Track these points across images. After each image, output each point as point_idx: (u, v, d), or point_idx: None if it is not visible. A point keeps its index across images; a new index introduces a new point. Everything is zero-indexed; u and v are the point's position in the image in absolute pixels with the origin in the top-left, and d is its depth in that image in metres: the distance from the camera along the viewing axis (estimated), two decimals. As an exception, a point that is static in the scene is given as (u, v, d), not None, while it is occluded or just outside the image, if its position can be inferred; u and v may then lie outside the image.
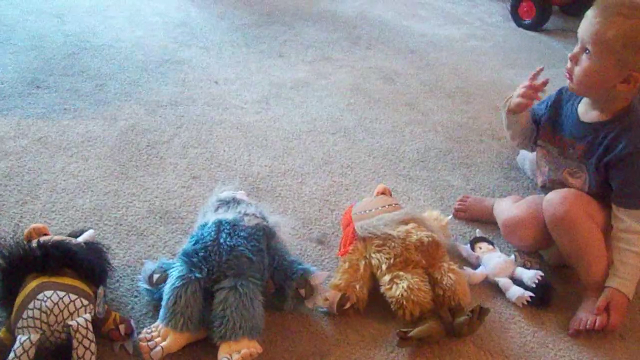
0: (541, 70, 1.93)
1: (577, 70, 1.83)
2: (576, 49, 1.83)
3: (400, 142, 2.58)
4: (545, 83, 1.92)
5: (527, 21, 4.12)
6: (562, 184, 1.98)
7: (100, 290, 1.52)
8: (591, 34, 1.77)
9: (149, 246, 1.86)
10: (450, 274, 1.74)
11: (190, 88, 2.74)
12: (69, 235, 1.68)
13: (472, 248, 2.00)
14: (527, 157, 2.39)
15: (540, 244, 1.99)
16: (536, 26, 4.10)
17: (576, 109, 1.95)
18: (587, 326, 1.78)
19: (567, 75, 1.88)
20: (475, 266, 1.96)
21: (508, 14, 4.24)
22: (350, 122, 2.67)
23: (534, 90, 1.93)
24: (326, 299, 1.69)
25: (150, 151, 2.27)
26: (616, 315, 1.80)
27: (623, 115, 1.85)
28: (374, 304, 1.74)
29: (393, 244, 1.75)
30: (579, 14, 4.32)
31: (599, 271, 1.84)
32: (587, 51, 1.79)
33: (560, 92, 2.03)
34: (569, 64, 1.86)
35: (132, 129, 2.38)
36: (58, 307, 1.41)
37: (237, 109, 2.63)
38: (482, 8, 4.45)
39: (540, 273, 1.89)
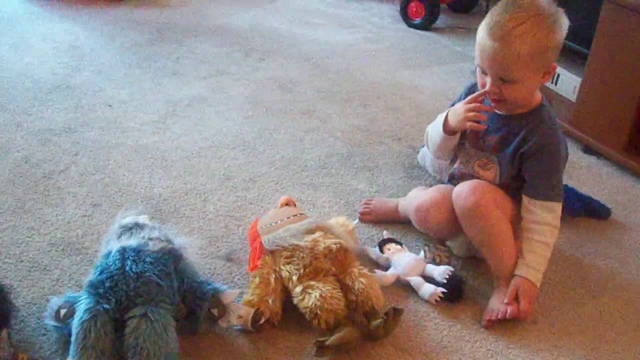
0: (484, 94, 1.90)
1: (507, 96, 1.83)
2: (489, 82, 1.83)
3: (301, 151, 2.58)
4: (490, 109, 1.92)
5: (417, 21, 4.18)
6: (472, 177, 2.00)
7: (4, 333, 1.47)
8: (499, 66, 1.78)
9: (54, 281, 1.80)
10: (361, 279, 1.74)
11: (84, 113, 2.68)
12: (-33, 278, 1.62)
13: (381, 250, 2.01)
14: (427, 155, 2.41)
15: (452, 229, 1.99)
16: (426, 25, 4.17)
17: (490, 103, 1.93)
18: (499, 316, 1.82)
19: (495, 105, 1.89)
20: (385, 268, 1.98)
21: (398, 15, 4.30)
22: (250, 135, 2.66)
23: (482, 110, 1.90)
24: (240, 317, 1.67)
25: (47, 182, 2.21)
26: (526, 303, 1.84)
27: (538, 108, 1.90)
28: (289, 317, 1.74)
29: (301, 254, 1.75)
30: (466, 10, 4.48)
31: (509, 261, 1.88)
32: (504, 80, 1.80)
33: (470, 88, 2.02)
34: (492, 95, 1.85)
35: (26, 161, 2.30)
36: (-41, 355, 1.36)
37: (133, 131, 2.58)
38: (372, 11, 4.49)
39: (450, 268, 1.92)
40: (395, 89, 3.26)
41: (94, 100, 2.79)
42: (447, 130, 1.98)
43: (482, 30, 1.79)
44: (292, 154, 2.56)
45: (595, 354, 1.81)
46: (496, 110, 1.93)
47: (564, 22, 1.78)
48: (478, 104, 1.90)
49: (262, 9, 4.25)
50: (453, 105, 2.04)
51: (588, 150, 2.82)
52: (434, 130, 2.04)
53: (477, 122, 1.89)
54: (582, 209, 2.34)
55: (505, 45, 1.73)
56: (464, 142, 2.03)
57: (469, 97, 1.93)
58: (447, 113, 1.98)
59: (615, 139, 2.71)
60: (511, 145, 1.90)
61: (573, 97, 2.93)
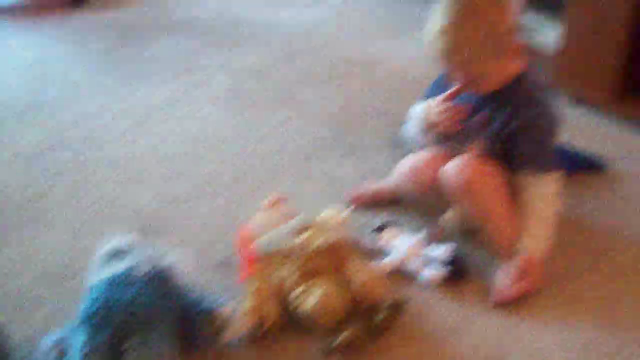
0: (457, 91, 1.87)
1: (479, 87, 1.81)
2: (457, 77, 1.81)
3: (285, 141, 2.52)
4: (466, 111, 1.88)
5: (387, -14, 4.08)
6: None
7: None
8: (456, 69, 1.76)
9: (45, 315, 1.75)
10: (360, 273, 1.70)
11: (58, 131, 2.60)
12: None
13: (378, 237, 1.96)
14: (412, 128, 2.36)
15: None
16: (396, -10, 4.06)
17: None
18: (509, 298, 1.78)
19: (474, 92, 1.85)
20: (384, 255, 1.92)
21: (367, -18, 4.19)
22: (230, 131, 2.59)
23: (457, 116, 1.87)
24: (240, 327, 1.63)
25: (29, 208, 2.15)
26: (533, 277, 1.80)
27: (519, 79, 1.83)
28: (290, 321, 1.68)
29: (296, 255, 1.70)
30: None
31: (509, 233, 1.84)
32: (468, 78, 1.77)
33: (440, 79, 1.94)
34: (464, 87, 1.83)
35: (5, 187, 2.24)
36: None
37: (111, 143, 2.51)
38: None
39: (451, 247, 1.88)
40: (372, 62, 3.19)
41: (66, 116, 2.71)
42: (424, 128, 1.97)
43: (430, 31, 1.74)
44: (275, 145, 2.49)
45: (610, 318, 1.77)
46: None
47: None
48: (450, 106, 1.87)
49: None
50: (436, 81, 2.00)
51: (575, 101, 2.75)
52: (414, 122, 2.01)
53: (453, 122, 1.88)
54: (577, 166, 2.29)
55: (455, 50, 1.70)
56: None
57: (444, 96, 1.89)
58: (426, 108, 1.94)
59: (603, 87, 2.65)
60: (497, 121, 1.84)
61: (554, 49, 2.85)
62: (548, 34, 2.95)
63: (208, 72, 3.09)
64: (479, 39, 1.66)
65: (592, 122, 2.67)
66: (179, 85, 2.97)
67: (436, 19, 1.72)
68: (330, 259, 1.71)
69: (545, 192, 1.82)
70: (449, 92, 1.88)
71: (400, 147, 2.42)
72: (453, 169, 1.85)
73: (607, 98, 2.66)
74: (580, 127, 2.59)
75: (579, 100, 2.75)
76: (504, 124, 1.82)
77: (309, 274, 1.68)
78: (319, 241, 1.71)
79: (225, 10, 3.87)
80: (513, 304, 1.78)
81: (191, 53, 3.30)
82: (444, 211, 2.04)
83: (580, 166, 2.31)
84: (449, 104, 1.87)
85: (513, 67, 1.82)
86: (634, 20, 2.50)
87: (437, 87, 1.98)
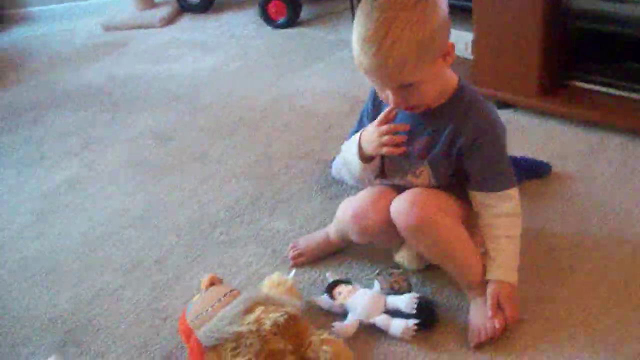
0: (392, 112, 1.63)
1: (417, 99, 1.56)
2: (391, 95, 1.55)
3: (205, 205, 2.28)
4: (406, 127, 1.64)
5: (281, 20, 3.90)
6: (407, 188, 1.72)
7: None
8: (390, 79, 1.51)
9: None
10: (325, 347, 1.50)
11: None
12: None
13: (331, 296, 1.75)
14: (343, 166, 2.15)
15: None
16: (292, 22, 3.91)
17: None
18: (490, 336, 1.60)
19: (410, 110, 1.61)
20: (342, 315, 1.72)
21: (260, 20, 3.99)
22: (142, 205, 2.33)
23: (400, 137, 1.62)
24: None
25: None
26: (510, 307, 1.62)
27: (458, 92, 1.63)
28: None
29: (248, 340, 1.47)
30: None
31: (476, 267, 1.66)
32: (404, 86, 1.52)
33: (375, 93, 1.71)
34: (401, 107, 1.58)
35: None
36: None
37: (11, 242, 2.22)
38: (232, 24, 4.13)
39: (415, 295, 1.68)
40: (280, 102, 2.99)
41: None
42: (364, 158, 1.71)
43: (355, 47, 1.50)
44: (195, 212, 2.25)
45: (590, 335, 1.63)
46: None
47: None
48: (390, 126, 1.63)
49: (116, 56, 3.86)
50: (361, 118, 1.79)
51: (501, 104, 2.62)
52: (350, 157, 1.75)
53: (396, 144, 1.63)
54: (522, 174, 2.12)
55: (385, 57, 1.45)
56: (393, 157, 1.71)
57: (379, 118, 1.65)
58: (360, 139, 1.70)
59: (526, 85, 2.53)
60: (440, 143, 1.63)
61: (468, 54, 2.72)
62: (459, 40, 2.81)
63: (107, 143, 2.83)
64: (410, 38, 1.44)
65: (523, 124, 2.54)
66: (78, 163, 2.69)
67: (360, 29, 1.48)
68: (289, 338, 1.50)
69: (507, 210, 1.65)
70: (384, 113, 1.64)
71: (332, 189, 2.23)
72: (402, 206, 1.64)
73: (533, 96, 2.53)
74: (512, 131, 2.42)
75: (503, 103, 2.62)
76: (451, 142, 1.62)
77: (268, 359, 1.45)
78: (272, 319, 1.49)
79: (116, 73, 3.60)
80: (494, 341, 1.61)
81: (86, 125, 3.02)
82: (396, 251, 1.85)
83: (526, 173, 2.16)
84: (388, 125, 1.64)
85: (450, 76, 1.63)
86: (548, 14, 2.38)
87: (367, 115, 1.77)
